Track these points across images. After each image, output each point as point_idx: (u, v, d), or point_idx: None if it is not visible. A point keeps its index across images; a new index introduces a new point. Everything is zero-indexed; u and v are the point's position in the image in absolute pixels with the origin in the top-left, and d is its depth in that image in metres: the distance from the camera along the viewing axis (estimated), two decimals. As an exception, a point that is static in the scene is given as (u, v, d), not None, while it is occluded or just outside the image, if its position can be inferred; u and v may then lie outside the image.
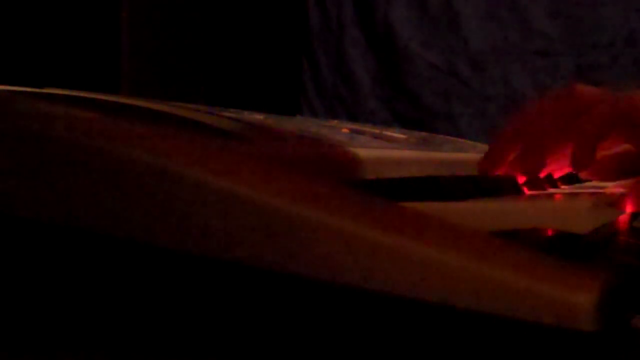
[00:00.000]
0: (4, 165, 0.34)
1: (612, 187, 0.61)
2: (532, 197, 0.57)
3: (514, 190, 0.58)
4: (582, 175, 0.59)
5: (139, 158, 0.33)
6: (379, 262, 0.30)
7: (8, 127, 0.34)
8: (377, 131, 0.68)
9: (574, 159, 0.54)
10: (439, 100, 1.92)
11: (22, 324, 0.35)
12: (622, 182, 0.60)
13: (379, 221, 0.32)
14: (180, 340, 0.33)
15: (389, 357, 0.31)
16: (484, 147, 0.85)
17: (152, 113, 0.48)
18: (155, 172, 0.32)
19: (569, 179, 0.68)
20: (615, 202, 0.55)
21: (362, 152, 0.48)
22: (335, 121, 0.79)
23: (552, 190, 0.62)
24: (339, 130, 0.62)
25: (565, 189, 0.65)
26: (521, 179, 0.59)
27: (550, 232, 0.40)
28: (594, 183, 0.63)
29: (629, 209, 0.55)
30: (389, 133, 0.69)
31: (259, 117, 0.58)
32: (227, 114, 0.53)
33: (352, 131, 0.63)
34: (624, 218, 0.52)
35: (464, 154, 0.70)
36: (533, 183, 0.59)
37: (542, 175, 0.59)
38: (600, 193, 0.59)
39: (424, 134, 0.86)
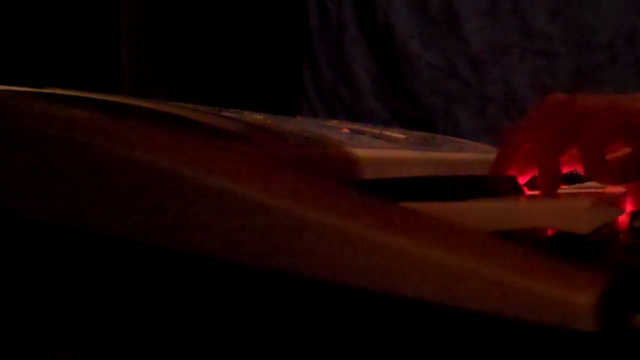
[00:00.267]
0: (4, 165, 0.34)
1: (612, 187, 0.61)
2: (532, 197, 0.57)
3: (514, 190, 0.58)
4: (594, 180, 0.60)
5: (138, 158, 0.33)
6: (379, 262, 0.30)
7: (8, 127, 0.34)
8: (377, 131, 0.68)
9: (587, 169, 0.55)
10: (439, 100, 1.92)
11: (22, 324, 0.35)
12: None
13: (379, 221, 0.32)
14: (180, 340, 0.33)
15: (389, 357, 0.31)
16: (484, 147, 0.85)
17: (152, 113, 0.48)
18: (155, 172, 0.32)
19: (569, 179, 0.68)
20: (615, 202, 0.55)
21: (362, 152, 0.48)
22: (335, 121, 0.79)
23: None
24: (339, 130, 0.62)
25: (565, 189, 0.65)
26: (521, 179, 0.59)
27: (550, 232, 0.40)
28: (594, 183, 0.63)
29: (629, 207, 0.55)
30: (389, 133, 0.69)
31: (259, 117, 0.58)
32: (227, 114, 0.53)
33: (352, 131, 0.63)
34: (624, 218, 0.52)
35: (464, 154, 0.70)
36: (533, 183, 0.59)
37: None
38: (600, 193, 0.59)
39: (424, 134, 0.86)
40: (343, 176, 0.44)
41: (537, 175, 0.58)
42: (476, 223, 0.38)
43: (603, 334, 0.29)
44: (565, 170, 0.60)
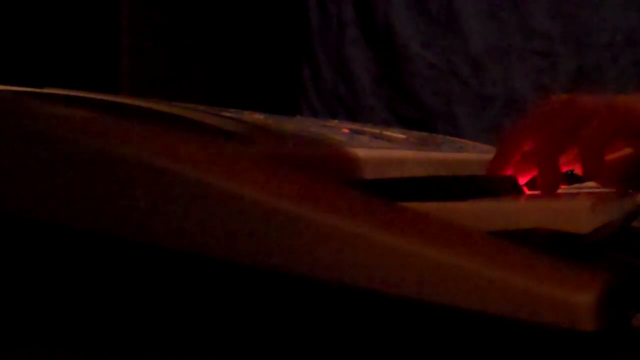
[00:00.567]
0: (4, 165, 0.34)
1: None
2: (532, 197, 0.57)
3: (514, 190, 0.58)
4: (594, 182, 0.60)
5: (138, 158, 0.33)
6: (379, 262, 0.30)
7: (8, 127, 0.34)
8: (377, 131, 0.68)
9: (586, 170, 0.55)
10: (439, 100, 1.92)
11: (22, 323, 0.35)
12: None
13: (379, 221, 0.32)
14: (180, 340, 0.33)
15: (389, 357, 0.31)
16: (484, 147, 0.85)
17: (152, 113, 0.48)
18: (155, 172, 0.32)
19: (569, 179, 0.68)
20: (615, 202, 0.55)
21: (362, 152, 0.48)
22: (335, 121, 0.79)
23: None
24: (339, 130, 0.62)
25: (565, 189, 0.65)
26: (521, 179, 0.59)
27: (550, 232, 0.40)
28: (594, 183, 0.63)
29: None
30: (389, 133, 0.69)
31: (259, 117, 0.58)
32: (227, 114, 0.53)
33: (352, 131, 0.63)
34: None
35: (464, 154, 0.70)
36: (533, 183, 0.59)
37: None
38: (600, 193, 0.59)
39: (424, 134, 0.86)
40: (343, 176, 0.44)
41: (537, 175, 0.58)
42: (476, 223, 0.38)
43: (603, 334, 0.29)
44: (564, 170, 0.60)
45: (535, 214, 0.41)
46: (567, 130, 0.55)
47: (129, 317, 0.34)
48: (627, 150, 0.58)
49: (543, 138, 0.56)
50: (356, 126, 0.71)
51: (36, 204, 0.33)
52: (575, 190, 0.65)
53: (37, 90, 0.48)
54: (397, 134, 0.70)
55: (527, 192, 0.59)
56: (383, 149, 0.56)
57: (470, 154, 0.71)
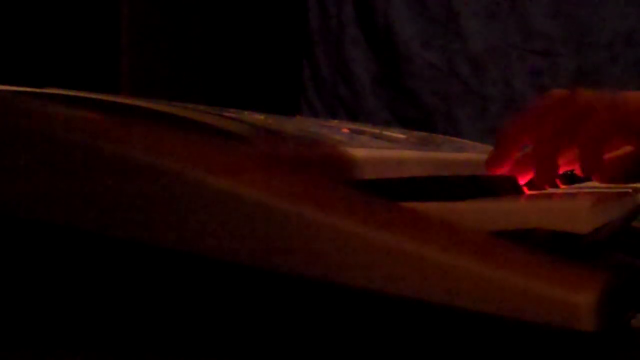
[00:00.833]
0: (4, 165, 0.34)
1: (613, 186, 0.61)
2: (532, 197, 0.57)
3: (514, 190, 0.58)
4: (593, 179, 0.60)
5: (139, 158, 0.33)
6: (379, 262, 0.30)
7: (8, 127, 0.34)
8: (377, 131, 0.68)
9: (583, 167, 0.55)
10: (439, 100, 1.92)
11: (22, 324, 0.35)
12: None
13: (379, 221, 0.32)
14: (180, 340, 0.33)
15: (389, 357, 0.31)
16: (484, 147, 0.85)
17: (152, 113, 0.48)
18: (156, 172, 0.32)
19: (569, 179, 0.68)
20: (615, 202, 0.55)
21: (362, 152, 0.48)
22: (335, 121, 0.79)
23: (552, 190, 0.61)
24: (339, 130, 0.62)
25: (565, 189, 0.65)
26: (521, 179, 0.59)
27: (550, 232, 0.40)
28: (594, 183, 0.63)
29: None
30: (389, 133, 0.69)
31: (259, 117, 0.58)
32: (227, 114, 0.53)
33: (352, 131, 0.63)
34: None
35: (464, 154, 0.70)
36: (533, 183, 0.59)
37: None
38: (600, 193, 0.59)
39: (424, 134, 0.86)
40: (343, 176, 0.44)
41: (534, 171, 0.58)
42: (476, 223, 0.38)
43: (603, 334, 0.29)
44: (564, 170, 0.60)
45: (535, 214, 0.41)
46: (566, 128, 0.55)
47: (129, 317, 0.34)
48: (627, 148, 0.58)
49: (541, 135, 0.56)
50: (356, 126, 0.71)
51: (36, 204, 0.33)
52: (575, 190, 0.65)
53: (37, 90, 0.48)
54: (397, 134, 0.70)
55: (527, 192, 0.59)
56: (383, 149, 0.56)
57: (470, 154, 0.71)
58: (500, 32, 1.89)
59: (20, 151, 0.33)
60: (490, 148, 0.61)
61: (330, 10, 2.02)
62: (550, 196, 0.56)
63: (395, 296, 0.30)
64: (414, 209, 0.36)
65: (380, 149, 0.55)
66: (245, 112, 0.59)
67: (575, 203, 0.44)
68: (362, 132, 0.64)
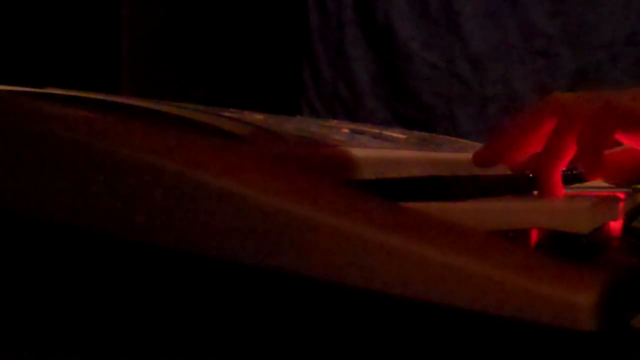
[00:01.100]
0: (4, 165, 0.34)
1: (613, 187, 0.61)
2: (532, 197, 0.57)
3: (514, 190, 0.58)
4: (595, 180, 0.60)
5: (138, 158, 0.33)
6: (379, 262, 0.30)
7: (8, 127, 0.34)
8: (377, 131, 0.68)
9: (585, 170, 0.55)
10: (439, 100, 1.92)
11: (22, 324, 0.35)
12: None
13: (379, 221, 0.32)
14: (180, 340, 0.33)
15: (389, 357, 0.31)
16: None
17: (152, 113, 0.48)
18: (155, 172, 0.32)
19: (569, 179, 0.68)
20: (615, 202, 0.55)
21: (362, 152, 0.48)
22: (335, 121, 0.79)
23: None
24: (339, 130, 0.62)
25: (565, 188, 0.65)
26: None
27: (550, 232, 0.40)
28: (594, 183, 0.63)
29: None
30: (389, 133, 0.69)
31: (259, 117, 0.58)
32: (227, 114, 0.53)
33: (352, 131, 0.63)
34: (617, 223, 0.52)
35: (464, 154, 0.70)
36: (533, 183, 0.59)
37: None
38: (600, 193, 0.59)
39: (424, 134, 0.86)
40: (343, 176, 0.44)
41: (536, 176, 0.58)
42: (476, 223, 0.38)
43: (603, 334, 0.29)
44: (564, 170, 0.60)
45: (535, 214, 0.41)
46: (566, 131, 0.55)
47: (130, 317, 0.34)
48: (627, 147, 0.58)
49: (541, 142, 0.56)
50: (356, 126, 0.71)
51: (36, 203, 0.33)
52: (575, 190, 0.65)
53: (37, 90, 0.48)
54: (397, 134, 0.70)
55: (528, 192, 0.59)
56: (383, 149, 0.56)
57: (470, 154, 0.71)
58: (500, 32, 1.89)
59: (20, 151, 0.33)
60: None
61: (330, 9, 2.02)
62: (550, 196, 0.56)
63: (395, 296, 0.30)
64: (414, 209, 0.36)
65: (380, 149, 0.55)
66: (245, 112, 0.59)
67: (575, 203, 0.44)
68: (362, 132, 0.64)
